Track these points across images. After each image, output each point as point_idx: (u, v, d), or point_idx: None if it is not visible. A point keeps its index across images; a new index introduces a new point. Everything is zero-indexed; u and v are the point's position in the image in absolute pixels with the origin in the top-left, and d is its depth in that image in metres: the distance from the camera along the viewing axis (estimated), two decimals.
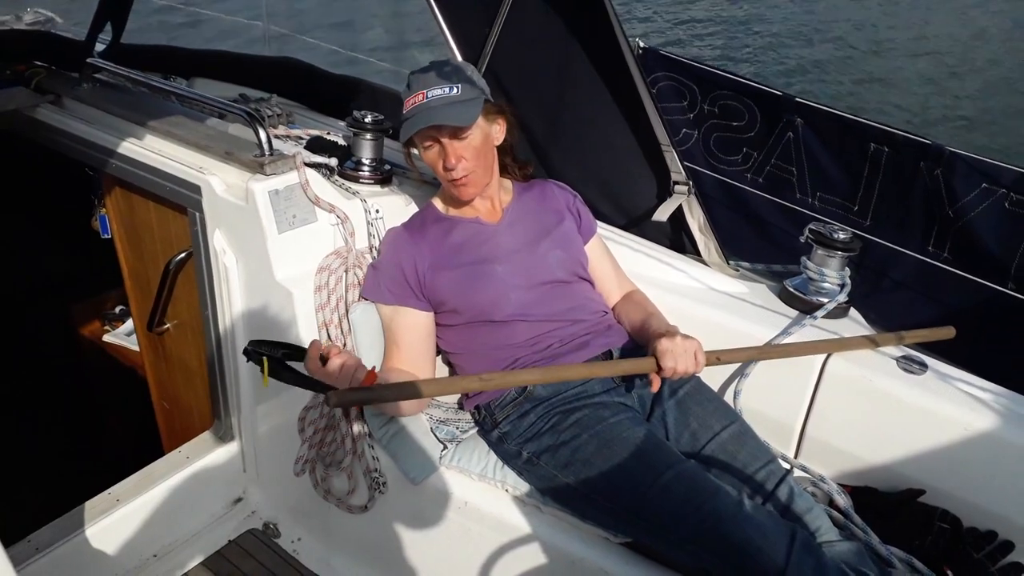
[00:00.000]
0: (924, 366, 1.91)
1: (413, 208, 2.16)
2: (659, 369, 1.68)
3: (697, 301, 2.13)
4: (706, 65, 3.42)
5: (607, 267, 2.11)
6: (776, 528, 1.52)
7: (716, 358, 1.74)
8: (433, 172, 1.90)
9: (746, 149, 3.18)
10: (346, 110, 2.22)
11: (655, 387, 1.72)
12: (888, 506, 1.83)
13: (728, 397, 2.01)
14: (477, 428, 1.97)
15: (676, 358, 1.67)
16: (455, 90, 1.79)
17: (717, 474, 1.70)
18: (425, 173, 2.28)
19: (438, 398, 2.08)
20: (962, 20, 13.05)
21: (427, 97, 1.78)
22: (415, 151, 1.92)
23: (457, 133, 1.80)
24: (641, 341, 1.93)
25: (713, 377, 2.01)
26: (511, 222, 1.98)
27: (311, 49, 3.93)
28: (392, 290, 1.90)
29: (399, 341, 1.90)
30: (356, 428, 1.95)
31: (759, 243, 3.15)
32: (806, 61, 10.83)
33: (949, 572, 1.67)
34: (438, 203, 2.02)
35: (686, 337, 1.71)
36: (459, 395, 2.05)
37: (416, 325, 1.91)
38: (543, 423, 1.78)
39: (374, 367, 1.55)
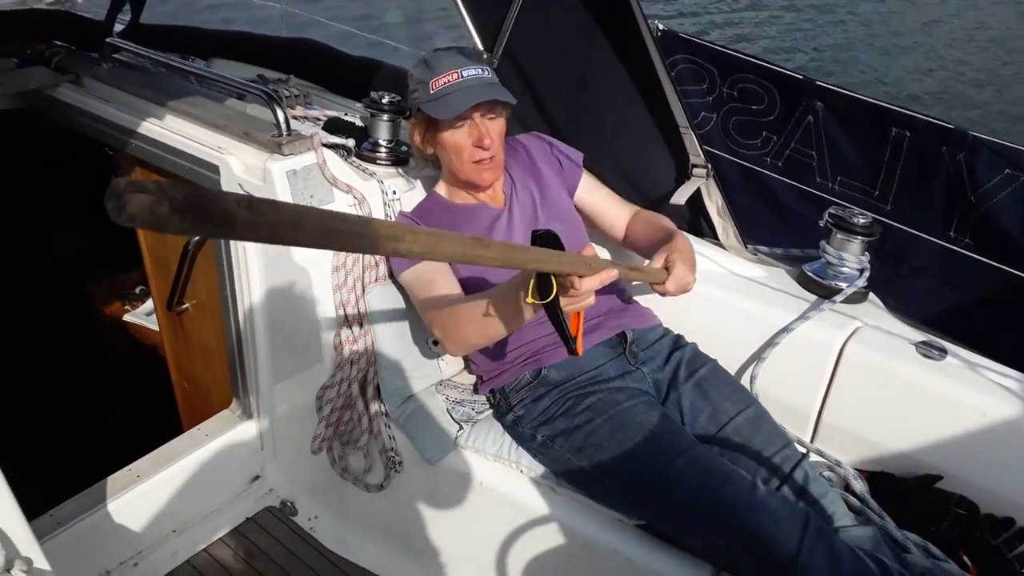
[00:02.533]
0: (944, 352, 1.90)
1: (430, 189, 2.16)
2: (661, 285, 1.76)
3: (715, 284, 2.12)
4: (726, 48, 3.39)
5: (606, 200, 2.11)
6: (790, 514, 1.52)
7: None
8: (451, 155, 1.86)
9: (765, 133, 3.15)
10: (364, 91, 2.21)
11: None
12: (905, 491, 1.82)
13: (745, 381, 2.00)
14: (492, 411, 1.98)
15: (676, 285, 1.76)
16: (487, 72, 1.81)
17: (732, 458, 1.70)
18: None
19: (456, 379, 2.09)
20: (990, 5, 12.84)
21: (463, 76, 1.77)
22: (440, 133, 1.84)
23: (494, 112, 1.83)
24: (648, 255, 1.94)
25: (730, 361, 2.00)
26: (514, 205, 1.97)
27: (329, 30, 3.93)
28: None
29: (437, 289, 1.81)
30: (373, 407, 1.97)
31: (778, 227, 3.12)
32: (827, 44, 10.71)
33: (965, 558, 1.66)
34: (442, 190, 2.01)
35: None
36: (475, 378, 2.05)
37: (445, 271, 1.84)
38: (557, 407, 1.79)
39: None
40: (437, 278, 1.82)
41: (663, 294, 1.79)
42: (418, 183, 2.14)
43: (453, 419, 1.96)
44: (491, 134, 1.82)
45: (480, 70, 1.80)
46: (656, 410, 1.75)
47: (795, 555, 1.46)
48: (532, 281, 1.32)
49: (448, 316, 1.74)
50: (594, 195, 2.10)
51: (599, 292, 1.70)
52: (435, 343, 2.03)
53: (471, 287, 1.84)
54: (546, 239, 1.25)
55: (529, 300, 1.34)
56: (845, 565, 1.46)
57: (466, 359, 2.08)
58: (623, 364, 1.85)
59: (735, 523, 1.52)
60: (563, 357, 1.83)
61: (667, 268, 1.78)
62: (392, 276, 1.98)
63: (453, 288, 1.82)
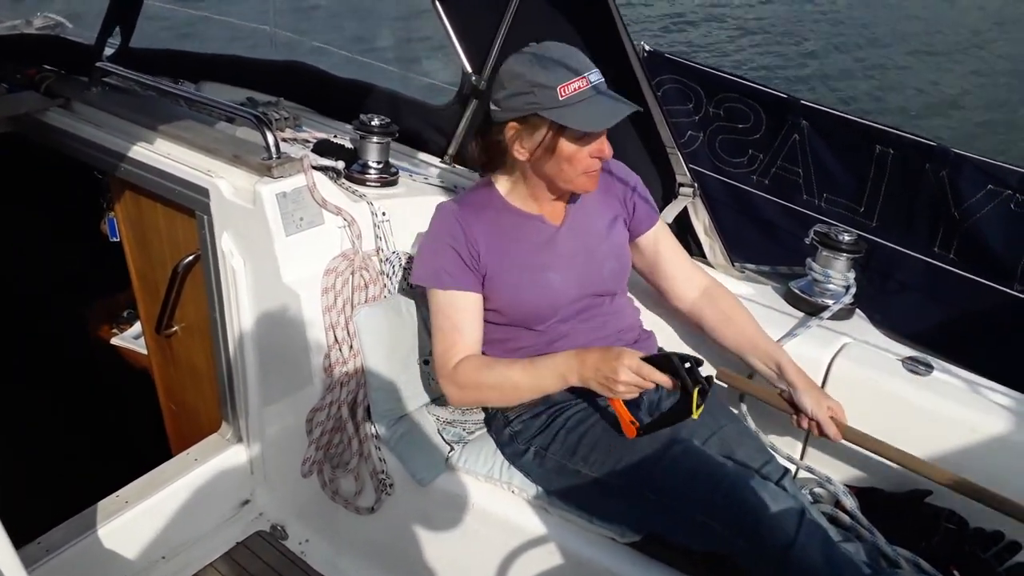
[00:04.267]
0: (930, 367, 1.91)
1: (420, 211, 2.16)
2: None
3: None
4: (711, 68, 3.43)
5: (670, 255, 1.98)
6: (786, 501, 1.53)
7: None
8: (562, 163, 1.70)
9: (752, 151, 3.17)
10: (353, 114, 2.23)
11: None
12: (894, 507, 1.83)
13: (734, 398, 2.01)
14: (485, 425, 1.98)
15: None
16: (601, 75, 1.69)
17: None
18: (431, 176, 2.29)
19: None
20: (971, 21, 13.02)
21: (591, 81, 1.64)
22: (561, 140, 1.68)
23: None
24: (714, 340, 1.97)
25: (719, 378, 2.01)
26: (572, 225, 1.86)
27: (318, 53, 3.95)
28: (451, 272, 1.76)
29: (462, 327, 1.77)
30: (363, 429, 1.96)
31: (765, 245, 3.14)
32: (812, 63, 10.83)
33: (956, 572, 1.66)
34: (501, 187, 1.85)
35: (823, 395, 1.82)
36: None
37: (477, 307, 1.79)
38: (553, 420, 1.80)
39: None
40: (471, 309, 1.78)
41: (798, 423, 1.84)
42: (408, 204, 2.15)
43: (444, 440, 1.95)
44: (607, 144, 1.72)
45: (598, 73, 1.67)
46: (646, 415, 1.78)
47: (792, 539, 1.46)
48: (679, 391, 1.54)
49: (473, 373, 1.74)
50: (661, 249, 1.98)
51: (623, 325, 1.91)
52: (426, 362, 2.03)
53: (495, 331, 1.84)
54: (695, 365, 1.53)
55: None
56: (840, 555, 1.47)
57: None
58: None
59: (734, 503, 1.52)
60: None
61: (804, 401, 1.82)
62: (411, 285, 1.94)
63: (479, 325, 1.80)
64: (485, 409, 1.98)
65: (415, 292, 2.06)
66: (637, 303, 2.05)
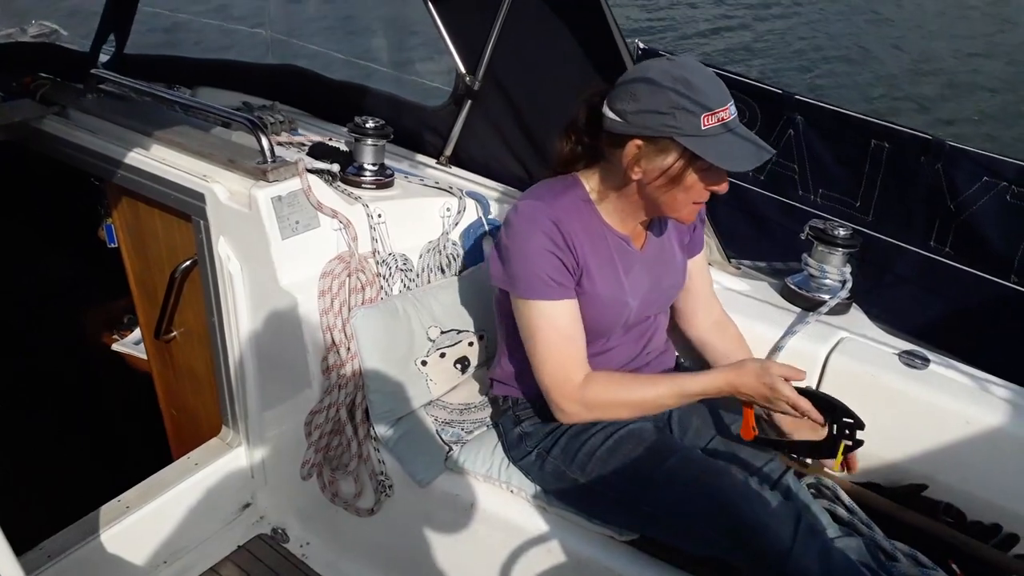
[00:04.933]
0: (926, 361, 1.92)
1: (416, 212, 2.17)
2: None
3: None
4: (706, 65, 3.42)
5: (701, 285, 1.97)
6: (782, 507, 1.54)
7: None
8: (676, 192, 1.58)
9: None
10: (349, 116, 2.23)
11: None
12: (893, 501, 1.83)
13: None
14: (491, 421, 1.99)
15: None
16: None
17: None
18: (427, 177, 2.30)
19: (445, 399, 2.10)
20: (959, 17, 13.01)
21: (732, 114, 1.52)
22: (689, 171, 1.55)
23: None
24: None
25: None
26: (651, 252, 1.78)
27: (313, 56, 3.96)
28: (558, 281, 1.62)
29: (576, 338, 1.65)
30: (362, 431, 1.97)
31: (762, 241, 3.14)
32: (806, 59, 10.82)
33: (955, 566, 1.67)
34: (595, 197, 1.70)
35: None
36: (477, 386, 2.08)
37: (579, 312, 1.67)
38: (559, 425, 1.78)
39: None
40: (578, 317, 1.66)
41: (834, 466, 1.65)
42: (404, 206, 2.16)
43: (443, 440, 1.96)
44: (727, 181, 1.61)
45: (735, 107, 1.54)
46: (649, 422, 1.77)
47: (789, 548, 1.46)
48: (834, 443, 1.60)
49: (605, 393, 1.64)
50: (697, 277, 1.95)
51: (662, 337, 1.92)
52: (423, 363, 2.03)
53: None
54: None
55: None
56: (836, 563, 1.48)
57: (490, 356, 2.06)
58: None
59: (730, 515, 1.52)
60: None
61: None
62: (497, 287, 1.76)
63: (582, 335, 1.67)
64: (494, 404, 1.98)
65: (411, 294, 2.06)
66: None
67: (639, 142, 1.54)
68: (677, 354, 2.01)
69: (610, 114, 1.57)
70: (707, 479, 1.58)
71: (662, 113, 1.49)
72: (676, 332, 2.04)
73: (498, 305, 1.82)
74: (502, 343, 1.88)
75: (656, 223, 1.78)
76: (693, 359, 2.03)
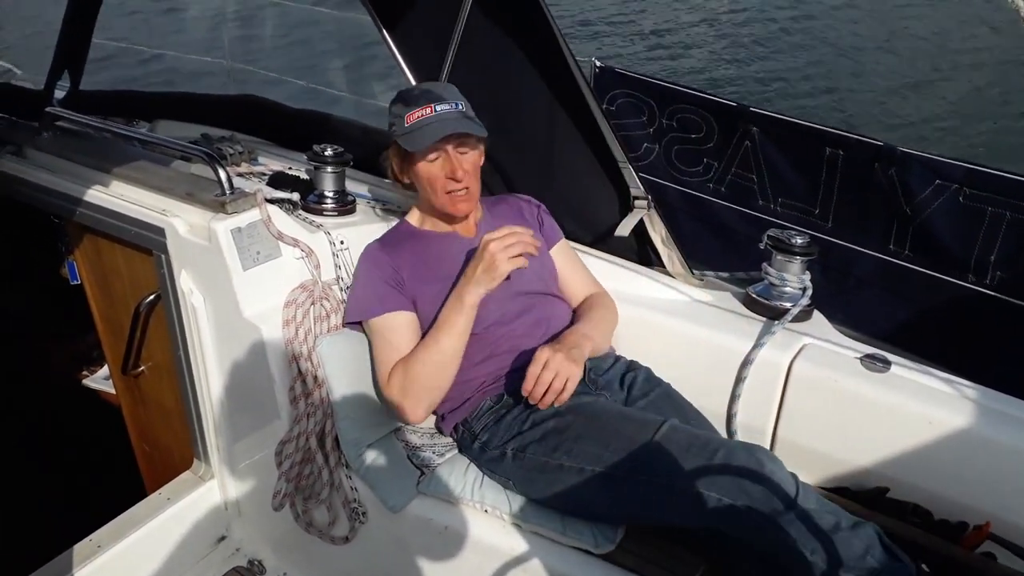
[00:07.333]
0: (888, 363, 1.95)
1: (378, 237, 2.17)
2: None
3: (663, 312, 2.17)
4: (662, 80, 3.48)
5: (571, 271, 2.15)
6: (780, 463, 1.55)
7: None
8: (425, 186, 1.93)
9: (706, 160, 3.23)
10: (308, 144, 2.24)
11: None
12: (861, 504, 1.85)
13: (698, 404, 2.03)
14: (458, 448, 1.99)
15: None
16: (460, 105, 1.89)
17: None
18: (389, 201, 2.31)
19: (414, 425, 2.09)
20: (903, 25, 13.27)
21: (436, 110, 1.84)
22: (415, 165, 1.91)
23: (467, 145, 1.90)
24: None
25: (682, 385, 2.02)
26: (486, 233, 1.94)
27: (273, 83, 3.96)
28: (381, 298, 1.90)
29: (400, 345, 1.88)
30: (332, 459, 1.96)
31: (725, 251, 3.19)
32: (760, 70, 10.97)
33: (925, 567, 1.69)
34: (413, 219, 2.07)
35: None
36: (435, 419, 2.06)
37: (412, 324, 1.91)
38: (523, 420, 1.81)
39: None
40: (404, 327, 1.89)
41: None
42: (366, 231, 2.16)
43: (414, 465, 1.96)
44: (463, 166, 1.88)
45: (453, 105, 1.87)
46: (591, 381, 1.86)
47: (792, 499, 1.48)
48: None
49: (402, 371, 1.83)
50: (564, 266, 2.14)
51: (560, 327, 1.98)
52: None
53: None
54: None
55: None
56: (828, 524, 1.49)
57: None
58: (584, 388, 1.87)
59: (730, 468, 1.52)
60: (522, 380, 1.78)
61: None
62: (347, 324, 1.99)
63: (416, 342, 1.88)
64: (452, 434, 1.99)
65: None
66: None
67: (392, 151, 1.96)
68: None
69: None
70: (702, 442, 1.59)
71: (391, 125, 1.92)
72: (660, 345, 2.10)
73: None
74: None
75: (486, 216, 2.06)
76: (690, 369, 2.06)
